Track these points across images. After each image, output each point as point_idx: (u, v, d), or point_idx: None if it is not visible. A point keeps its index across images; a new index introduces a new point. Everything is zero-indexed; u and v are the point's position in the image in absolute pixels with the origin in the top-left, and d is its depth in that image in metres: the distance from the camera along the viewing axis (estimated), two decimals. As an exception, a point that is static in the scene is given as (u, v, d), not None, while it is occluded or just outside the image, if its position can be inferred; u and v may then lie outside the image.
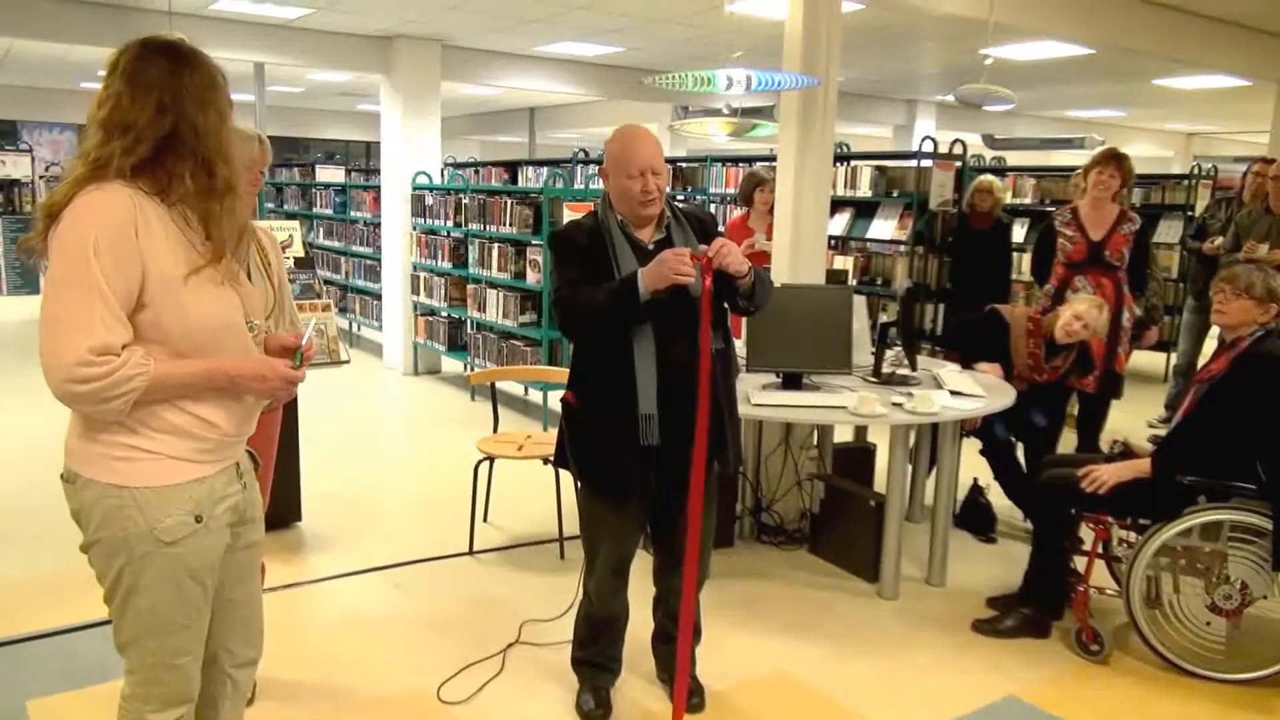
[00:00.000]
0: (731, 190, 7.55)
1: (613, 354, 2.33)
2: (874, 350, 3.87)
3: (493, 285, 6.55)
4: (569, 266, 2.39)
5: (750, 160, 7.89)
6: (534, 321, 6.16)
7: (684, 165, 8.13)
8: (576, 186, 8.50)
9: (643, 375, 2.32)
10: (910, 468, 4.22)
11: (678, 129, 8.64)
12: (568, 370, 2.53)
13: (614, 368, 2.33)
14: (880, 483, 4.16)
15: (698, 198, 8.12)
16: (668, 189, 2.48)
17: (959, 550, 3.97)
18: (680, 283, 2.21)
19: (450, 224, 6.99)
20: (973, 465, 4.34)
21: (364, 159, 18.39)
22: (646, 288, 2.26)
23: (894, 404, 3.34)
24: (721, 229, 7.08)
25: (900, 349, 3.96)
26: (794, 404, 3.29)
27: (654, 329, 2.32)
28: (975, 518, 4.22)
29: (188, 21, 6.67)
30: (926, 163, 6.17)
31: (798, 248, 4.25)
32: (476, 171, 10.40)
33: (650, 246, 2.41)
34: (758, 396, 3.35)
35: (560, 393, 2.57)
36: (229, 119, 1.72)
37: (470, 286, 6.76)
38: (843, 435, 4.66)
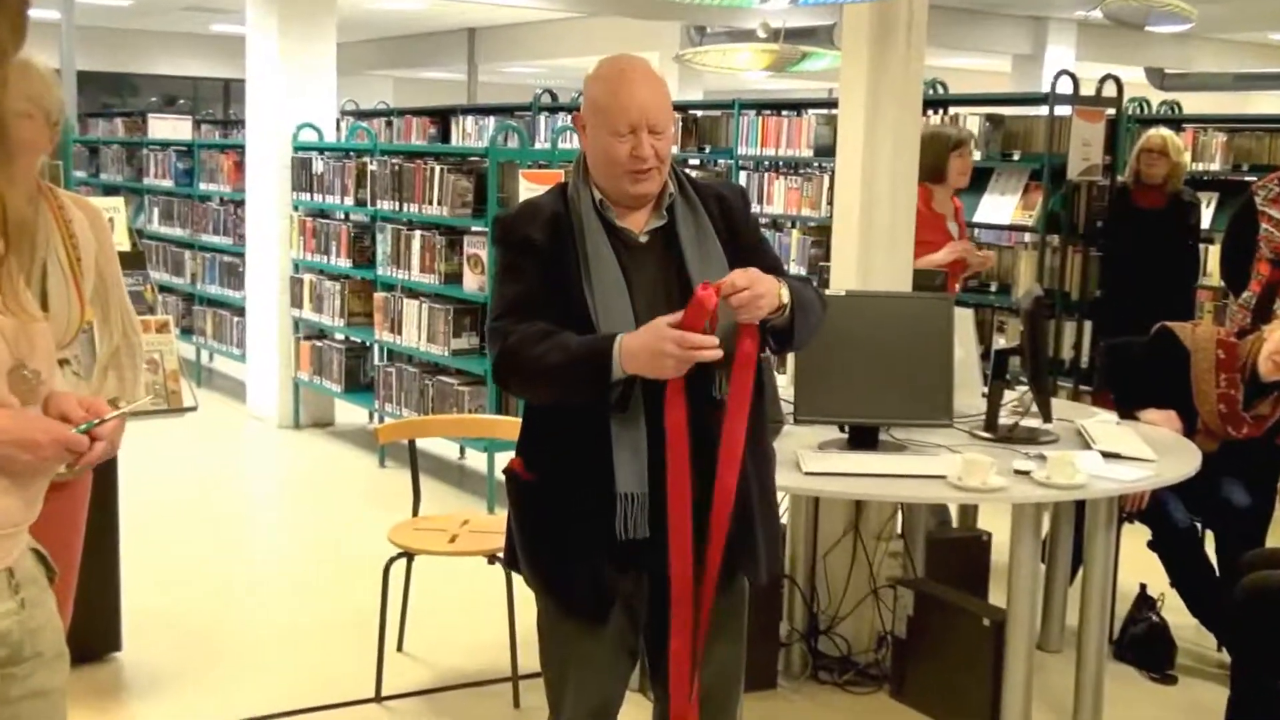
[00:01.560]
0: (770, 151, 7.61)
1: (580, 407, 2.30)
2: (986, 391, 3.87)
3: (413, 293, 6.57)
4: (514, 278, 2.38)
5: (799, 106, 7.94)
6: (474, 348, 6.18)
7: (697, 114, 8.21)
8: (539, 146, 8.53)
9: (624, 435, 2.29)
10: (1044, 569, 4.20)
11: (688, 61, 8.69)
12: (517, 422, 2.52)
13: (582, 422, 2.31)
14: (999, 592, 4.14)
15: (717, 163, 8.17)
16: (674, 150, 2.47)
17: (1121, 694, 3.94)
18: (683, 370, 2.18)
19: (350, 202, 7.02)
20: (1139, 565, 4.32)
21: (220, 105, 18.51)
22: (626, 368, 2.21)
23: (1018, 472, 3.34)
24: (760, 208, 7.06)
25: (1026, 389, 3.96)
26: (866, 472, 3.29)
27: None
28: (1144, 645, 4.20)
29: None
30: (1063, 110, 6.22)
31: (869, 237, 4.26)
32: (390, 123, 10.46)
33: (642, 239, 2.39)
34: (812, 461, 3.34)
35: (512, 454, 2.56)
36: (16, 47, 1.71)
37: (380, 295, 6.78)
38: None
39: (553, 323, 2.31)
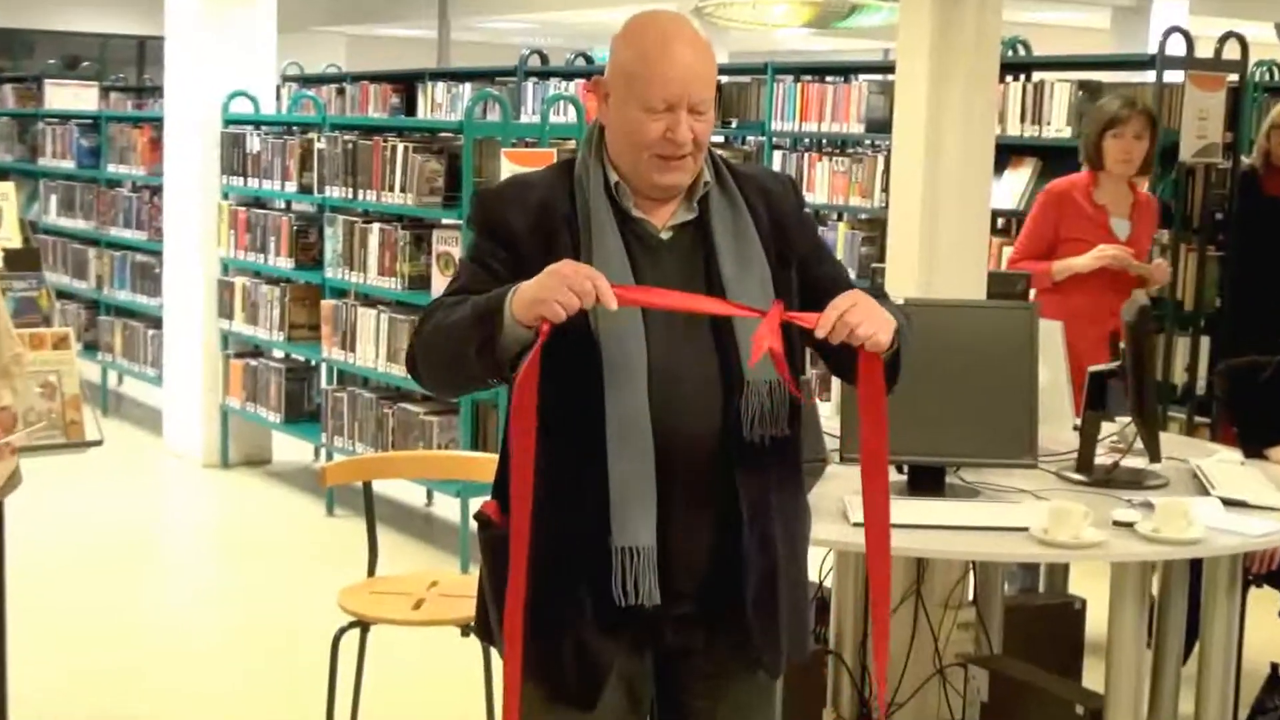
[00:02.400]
0: (811, 127, 7.62)
1: (566, 428, 2.31)
2: (1079, 423, 3.87)
3: (370, 302, 6.58)
4: (476, 267, 2.39)
5: (847, 71, 7.95)
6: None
7: (721, 80, 8.21)
8: (525, 119, 8.55)
9: (626, 470, 2.29)
10: (1151, 642, 4.19)
11: (710, 16, 8.73)
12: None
13: (574, 455, 2.32)
14: (1095, 672, 4.13)
15: (745, 141, 8.17)
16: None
17: (1245, 800, 3.94)
18: (551, 318, 2.15)
19: (292, 188, 7.05)
20: (1269, 639, 4.30)
21: (133, 70, 18.59)
22: (516, 316, 2.19)
23: (1119, 523, 3.33)
24: (811, 200, 7.12)
25: (1128, 421, 3.96)
26: (930, 522, 3.28)
27: (652, 380, 2.29)
28: (1275, 738, 4.18)
29: None
30: (1174, 76, 6.22)
31: (934, 233, 4.27)
32: (342, 92, 10.48)
33: (664, 235, 2.39)
34: (862, 509, 3.33)
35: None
36: None
37: (328, 304, 6.79)
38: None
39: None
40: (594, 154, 2.40)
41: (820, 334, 2.21)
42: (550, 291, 2.13)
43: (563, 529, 2.33)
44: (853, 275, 6.92)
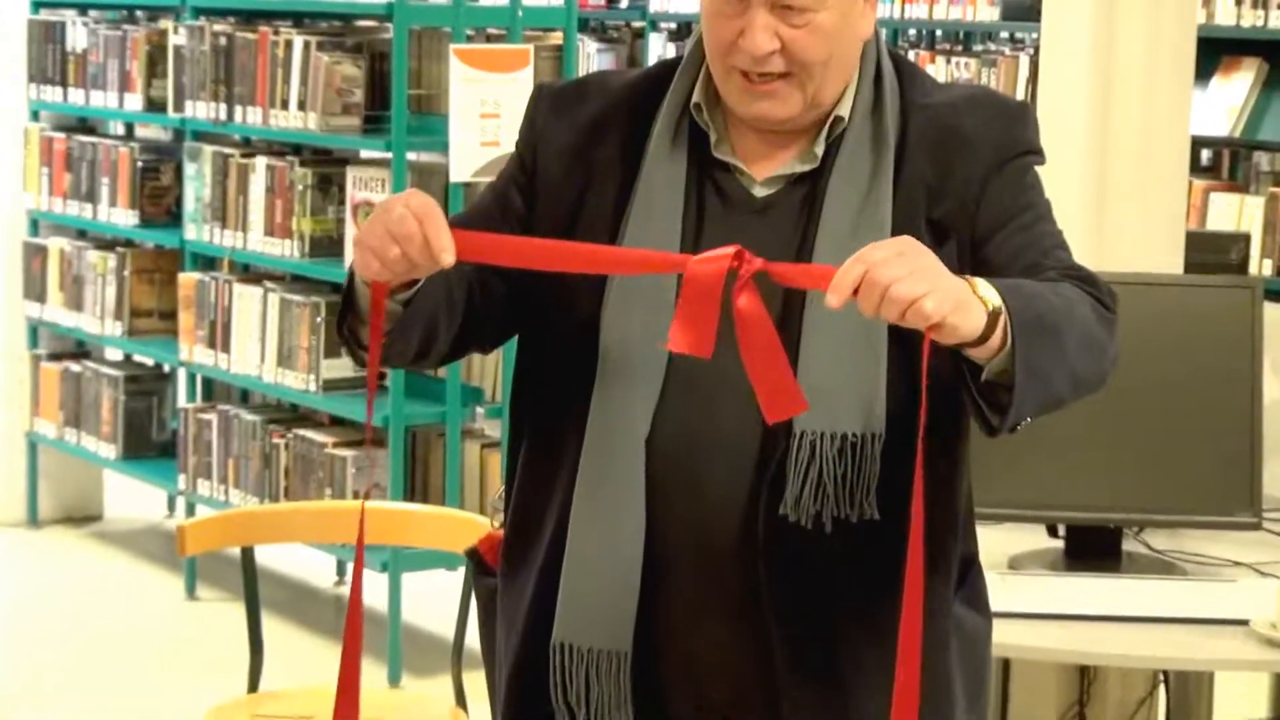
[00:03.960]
0: (920, 13, 7.60)
1: (539, 447, 2.41)
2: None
3: (254, 276, 6.62)
4: (495, 188, 2.41)
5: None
6: (364, 376, 6.12)
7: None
8: (485, 2, 8.54)
9: (589, 525, 2.29)
10: None
11: None
12: (445, 516, 2.53)
13: (532, 491, 2.41)
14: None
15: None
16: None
17: None
18: (360, 271, 2.14)
19: (136, 105, 7.08)
20: None
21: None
22: (359, 272, 2.21)
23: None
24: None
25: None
26: (1100, 612, 3.29)
27: (665, 400, 2.27)
28: None
29: None
30: None
31: (1104, 172, 4.27)
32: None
33: (760, 191, 2.28)
34: (1001, 590, 3.32)
35: (437, 573, 2.60)
36: None
37: (190, 279, 6.80)
38: (1247, 697, 4.60)
39: (537, 317, 2.33)
40: (691, 53, 2.35)
41: (833, 301, 1.99)
42: (364, 234, 2.12)
43: (511, 591, 2.40)
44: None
